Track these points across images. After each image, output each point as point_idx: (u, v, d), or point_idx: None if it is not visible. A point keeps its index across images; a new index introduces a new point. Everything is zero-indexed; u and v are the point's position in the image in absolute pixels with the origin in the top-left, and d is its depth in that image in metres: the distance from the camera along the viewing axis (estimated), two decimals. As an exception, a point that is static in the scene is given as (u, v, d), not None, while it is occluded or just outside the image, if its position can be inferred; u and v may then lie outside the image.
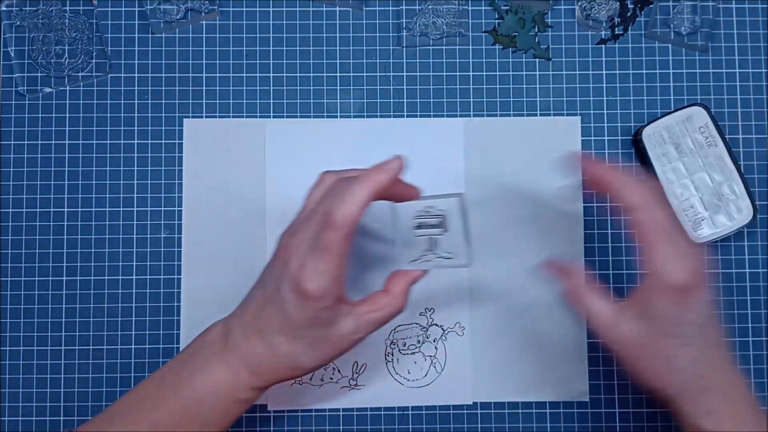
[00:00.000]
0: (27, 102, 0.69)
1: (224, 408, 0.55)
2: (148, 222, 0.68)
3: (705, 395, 0.52)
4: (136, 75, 0.69)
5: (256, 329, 0.54)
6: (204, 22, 0.70)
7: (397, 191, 0.55)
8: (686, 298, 0.50)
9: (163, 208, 0.68)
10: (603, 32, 0.70)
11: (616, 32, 0.70)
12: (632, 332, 0.52)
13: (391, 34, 0.70)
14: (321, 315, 0.52)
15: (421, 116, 0.69)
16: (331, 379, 0.67)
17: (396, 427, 0.67)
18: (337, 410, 0.67)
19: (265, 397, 0.66)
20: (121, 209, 0.68)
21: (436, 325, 0.68)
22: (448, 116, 0.69)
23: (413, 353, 0.67)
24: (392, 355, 0.67)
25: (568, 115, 0.70)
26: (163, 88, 0.69)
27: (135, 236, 0.68)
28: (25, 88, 0.68)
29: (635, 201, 0.52)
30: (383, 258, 0.67)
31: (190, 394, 0.54)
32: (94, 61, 0.69)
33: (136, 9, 0.70)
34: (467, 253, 0.56)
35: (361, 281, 0.67)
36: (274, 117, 0.69)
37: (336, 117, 0.69)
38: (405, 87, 0.70)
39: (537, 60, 0.70)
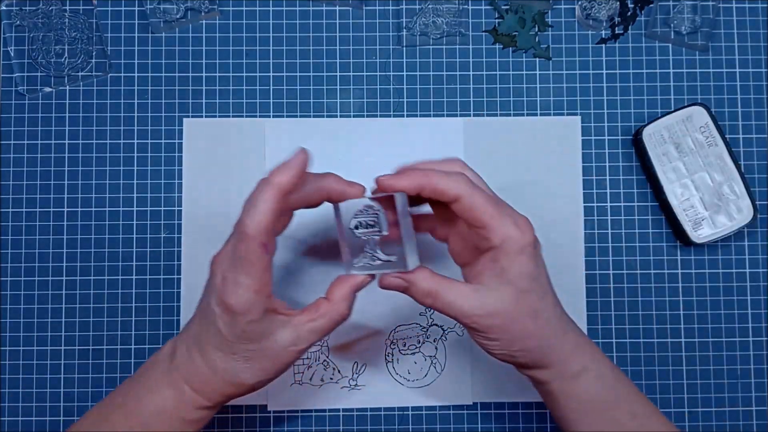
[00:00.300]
0: (27, 102, 0.69)
1: (172, 428, 0.54)
2: (148, 222, 0.68)
3: (567, 337, 0.54)
4: (136, 75, 0.69)
5: (197, 346, 0.53)
6: (204, 21, 0.70)
7: (337, 190, 0.54)
8: (537, 251, 0.53)
9: (163, 208, 0.68)
10: (603, 32, 0.70)
11: (617, 32, 0.70)
12: (497, 301, 0.52)
13: (391, 34, 0.70)
14: (251, 328, 0.51)
15: (421, 116, 0.69)
16: (331, 379, 0.67)
17: (396, 427, 0.67)
18: (337, 410, 0.67)
19: (266, 397, 0.66)
20: (121, 209, 0.68)
21: (436, 325, 0.68)
22: (448, 116, 0.69)
23: (413, 353, 0.67)
24: (392, 355, 0.67)
25: (568, 114, 0.70)
26: (163, 87, 0.69)
27: (135, 236, 0.68)
28: (25, 87, 0.68)
29: (458, 190, 0.51)
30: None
31: (138, 416, 0.54)
32: (93, 60, 0.69)
33: (136, 8, 0.70)
34: (404, 255, 0.53)
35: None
36: (273, 117, 0.69)
37: (336, 117, 0.69)
38: (405, 87, 0.70)
39: (537, 59, 0.70)
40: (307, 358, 0.67)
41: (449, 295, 0.53)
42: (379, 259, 0.54)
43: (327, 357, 0.67)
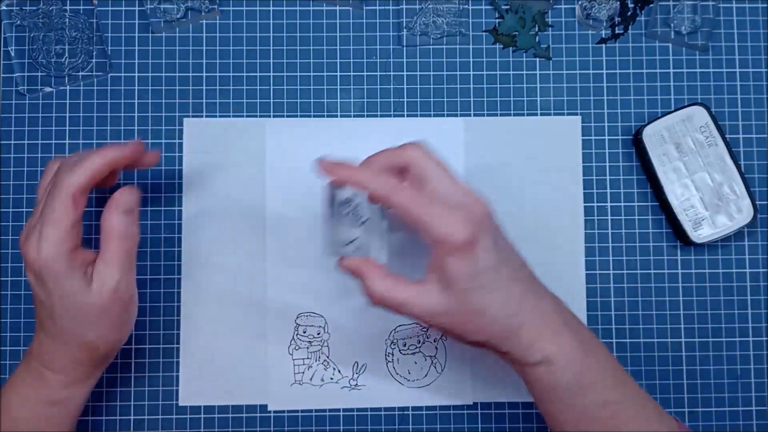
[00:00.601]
0: (27, 101, 0.69)
1: (40, 413, 0.56)
2: (148, 222, 0.68)
3: (523, 331, 0.52)
4: (137, 74, 0.69)
5: (40, 326, 0.56)
6: (204, 21, 0.70)
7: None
8: (472, 250, 0.50)
9: (163, 209, 0.68)
10: (603, 32, 0.70)
11: (617, 32, 0.70)
12: (440, 302, 0.52)
13: (391, 34, 0.70)
14: (66, 287, 0.53)
15: (421, 116, 0.69)
16: (332, 379, 0.67)
17: (396, 427, 0.67)
18: (338, 410, 0.67)
19: (266, 397, 0.66)
20: (121, 209, 0.68)
21: (437, 324, 0.68)
22: (448, 116, 0.69)
23: (413, 353, 0.67)
24: (392, 355, 0.67)
25: (568, 114, 0.70)
26: (163, 87, 0.69)
27: (135, 236, 0.68)
28: (26, 87, 0.68)
29: (385, 188, 0.51)
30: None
31: (8, 412, 0.56)
32: (94, 60, 0.69)
33: (137, 8, 0.70)
34: (387, 251, 0.57)
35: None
36: (274, 116, 0.69)
37: (336, 116, 0.69)
38: (405, 86, 0.70)
39: (537, 59, 0.70)
40: (308, 358, 0.67)
41: (396, 297, 0.53)
42: (359, 247, 0.56)
43: (327, 357, 0.67)
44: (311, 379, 0.67)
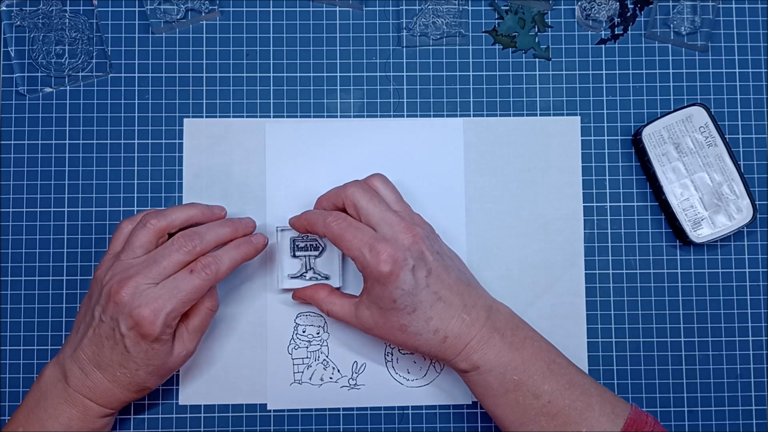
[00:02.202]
0: (27, 102, 0.69)
1: None
2: (148, 222, 0.68)
3: (447, 343, 0.58)
4: (137, 75, 0.69)
5: (96, 365, 0.58)
6: (204, 22, 0.70)
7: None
8: (391, 281, 0.57)
9: (162, 208, 0.68)
10: (603, 32, 0.70)
11: (616, 32, 0.70)
12: (370, 318, 0.60)
13: (391, 34, 0.70)
14: (159, 348, 0.58)
15: (421, 116, 0.69)
16: (331, 378, 0.67)
17: (396, 426, 0.67)
18: (337, 410, 0.67)
19: (265, 396, 0.66)
20: (121, 209, 0.68)
21: (436, 324, 0.68)
22: (448, 116, 0.69)
23: (412, 353, 0.67)
24: (392, 354, 0.67)
25: (567, 115, 0.70)
26: (163, 88, 0.69)
27: (135, 236, 0.68)
28: (26, 87, 0.68)
29: (323, 229, 0.60)
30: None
31: None
32: (94, 60, 0.69)
33: (137, 9, 0.70)
34: (341, 275, 0.67)
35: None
36: (274, 117, 0.69)
37: (336, 117, 0.69)
38: (405, 87, 0.70)
39: (537, 60, 0.70)
40: (307, 357, 0.67)
41: (338, 312, 0.62)
42: (316, 274, 0.67)
43: (327, 356, 0.67)
44: (311, 378, 0.67)
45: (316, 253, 0.66)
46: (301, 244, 0.66)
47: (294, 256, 0.66)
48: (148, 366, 0.59)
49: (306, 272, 0.66)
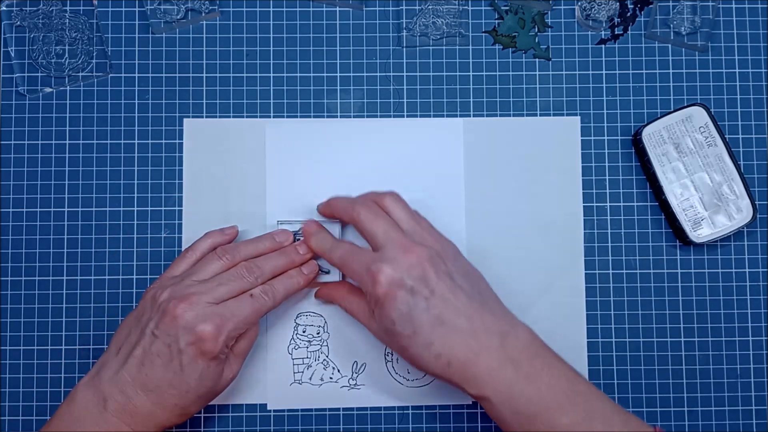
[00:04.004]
0: (27, 102, 0.69)
1: None
2: (148, 222, 0.68)
3: (452, 368, 0.56)
4: (137, 75, 0.69)
5: (142, 386, 0.57)
6: (204, 22, 0.70)
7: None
8: (387, 301, 0.56)
9: (163, 208, 0.68)
10: (603, 32, 0.70)
11: (616, 32, 0.70)
12: (379, 331, 0.60)
13: (391, 35, 0.70)
14: (214, 368, 0.58)
15: (421, 116, 0.69)
16: (331, 378, 0.67)
17: (396, 426, 0.67)
18: (337, 410, 0.67)
19: (265, 396, 0.66)
20: (121, 209, 0.68)
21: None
22: (448, 116, 0.69)
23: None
24: (392, 354, 0.67)
25: (567, 115, 0.70)
26: (163, 88, 0.69)
27: (135, 236, 0.68)
28: (26, 88, 0.68)
29: (324, 248, 0.62)
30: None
31: None
32: (94, 61, 0.69)
33: (137, 9, 0.70)
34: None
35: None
36: (274, 117, 0.69)
37: (336, 117, 0.69)
38: (405, 87, 0.70)
39: (537, 60, 0.70)
40: (307, 357, 0.67)
41: (355, 314, 0.62)
42: (321, 271, 0.66)
43: (327, 356, 0.67)
44: (311, 378, 0.67)
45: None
46: (301, 239, 0.65)
47: None
48: (199, 387, 0.58)
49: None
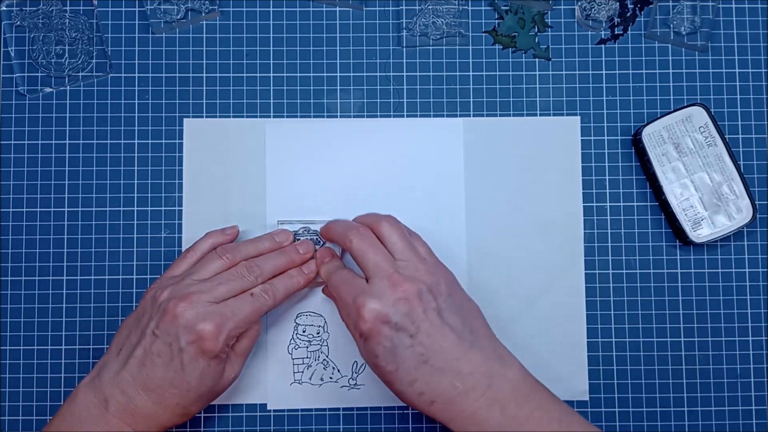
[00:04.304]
0: (27, 102, 0.69)
1: None
2: (148, 222, 0.68)
3: (434, 408, 0.55)
4: (137, 75, 0.69)
5: (143, 386, 0.57)
6: (204, 22, 0.70)
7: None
8: (371, 336, 0.55)
9: (163, 208, 0.68)
10: (603, 32, 0.70)
11: (616, 32, 0.70)
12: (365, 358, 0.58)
13: (391, 35, 0.70)
14: (215, 367, 0.58)
15: (421, 116, 0.69)
16: (331, 378, 0.67)
17: (396, 426, 0.67)
18: (337, 410, 0.67)
19: (265, 396, 0.66)
20: (121, 209, 0.68)
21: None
22: (448, 116, 0.69)
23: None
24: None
25: (567, 115, 0.70)
26: (164, 88, 0.69)
27: (135, 236, 0.68)
28: (26, 88, 0.68)
29: (324, 273, 0.63)
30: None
31: None
32: (94, 61, 0.69)
33: (137, 9, 0.70)
34: None
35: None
36: (274, 117, 0.69)
37: (336, 117, 0.69)
38: (405, 87, 0.70)
39: (537, 60, 0.70)
40: (307, 357, 0.67)
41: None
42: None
43: (327, 356, 0.67)
44: (311, 378, 0.67)
45: (316, 247, 0.66)
46: (301, 239, 0.66)
47: None
48: (200, 386, 0.58)
49: None
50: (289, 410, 0.67)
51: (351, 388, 0.67)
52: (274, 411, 0.67)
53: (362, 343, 0.56)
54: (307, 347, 0.67)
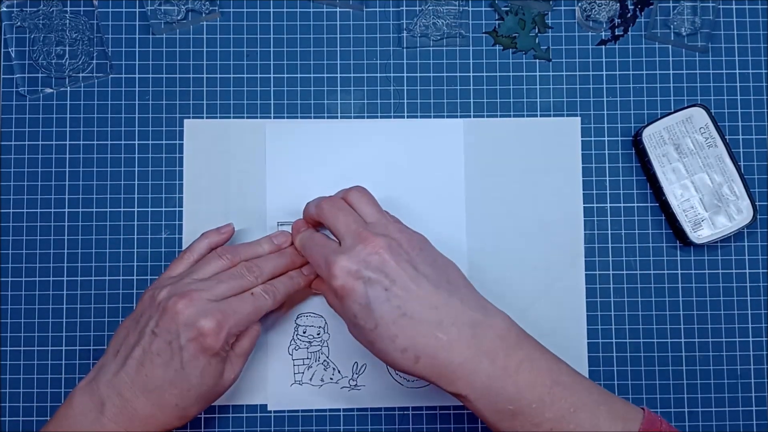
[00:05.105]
0: (27, 102, 0.69)
1: None
2: (148, 222, 0.68)
3: (420, 364, 0.53)
4: (137, 75, 0.69)
5: (142, 387, 0.56)
6: (204, 22, 0.70)
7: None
8: (345, 293, 0.54)
9: (163, 208, 0.68)
10: (603, 33, 0.70)
11: (616, 33, 0.70)
12: (350, 328, 0.57)
13: (391, 35, 0.70)
14: (215, 366, 0.58)
15: (421, 117, 0.69)
16: (331, 379, 0.67)
17: (396, 427, 0.67)
18: (338, 410, 0.67)
19: (266, 397, 0.66)
20: (121, 209, 0.68)
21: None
22: (448, 117, 0.69)
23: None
24: (392, 354, 0.67)
25: (568, 115, 0.70)
26: (164, 88, 0.69)
27: (135, 237, 0.68)
28: (26, 88, 0.68)
29: (297, 245, 0.64)
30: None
31: None
32: (94, 61, 0.69)
33: (137, 10, 0.70)
34: None
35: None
36: (274, 117, 0.69)
37: (336, 117, 0.69)
38: (405, 88, 0.70)
39: (537, 61, 0.70)
40: (308, 358, 0.67)
41: (336, 310, 0.60)
42: None
43: (327, 357, 0.67)
44: (311, 379, 0.67)
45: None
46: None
47: None
48: (201, 386, 0.57)
49: None
50: (289, 411, 0.67)
51: (351, 389, 0.67)
52: (275, 412, 0.67)
53: (339, 306, 0.56)
54: (308, 348, 0.67)
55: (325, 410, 0.67)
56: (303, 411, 0.67)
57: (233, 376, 0.60)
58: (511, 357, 0.53)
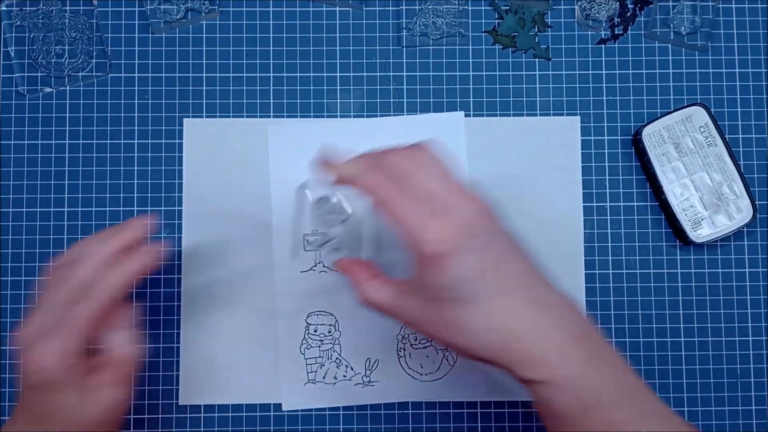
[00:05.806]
0: (27, 102, 0.68)
1: None
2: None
3: (512, 346, 0.47)
4: (137, 75, 0.69)
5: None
6: (204, 22, 0.70)
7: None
8: (445, 261, 0.45)
9: (163, 208, 0.68)
10: (603, 32, 0.71)
11: (616, 32, 0.70)
12: (414, 308, 0.49)
13: (391, 34, 0.70)
14: (59, 393, 0.53)
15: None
16: (344, 377, 0.67)
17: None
18: (351, 408, 0.67)
19: (279, 396, 0.66)
20: (121, 209, 0.68)
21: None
22: (448, 116, 0.70)
23: (425, 347, 0.67)
24: (404, 350, 0.67)
25: (567, 114, 0.70)
26: (163, 88, 0.69)
27: (135, 236, 0.68)
28: (26, 87, 0.68)
29: (370, 183, 0.49)
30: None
31: None
32: (94, 60, 0.69)
33: (137, 9, 0.70)
34: (369, 248, 0.64)
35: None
36: (274, 117, 0.69)
37: (336, 117, 0.69)
38: (405, 87, 0.70)
39: (537, 60, 0.70)
40: (320, 356, 0.67)
41: (376, 300, 0.51)
42: (332, 244, 0.65)
43: (339, 354, 0.67)
44: (324, 377, 0.67)
45: (342, 217, 0.63)
46: (323, 208, 0.63)
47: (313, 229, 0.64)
48: (64, 423, 0.53)
49: (327, 242, 0.64)
50: (303, 410, 0.67)
51: (365, 386, 0.67)
52: (288, 411, 0.66)
53: (425, 275, 0.47)
54: (319, 346, 0.67)
55: (339, 408, 0.67)
56: (317, 410, 0.67)
57: (103, 406, 0.55)
58: (593, 345, 0.48)
